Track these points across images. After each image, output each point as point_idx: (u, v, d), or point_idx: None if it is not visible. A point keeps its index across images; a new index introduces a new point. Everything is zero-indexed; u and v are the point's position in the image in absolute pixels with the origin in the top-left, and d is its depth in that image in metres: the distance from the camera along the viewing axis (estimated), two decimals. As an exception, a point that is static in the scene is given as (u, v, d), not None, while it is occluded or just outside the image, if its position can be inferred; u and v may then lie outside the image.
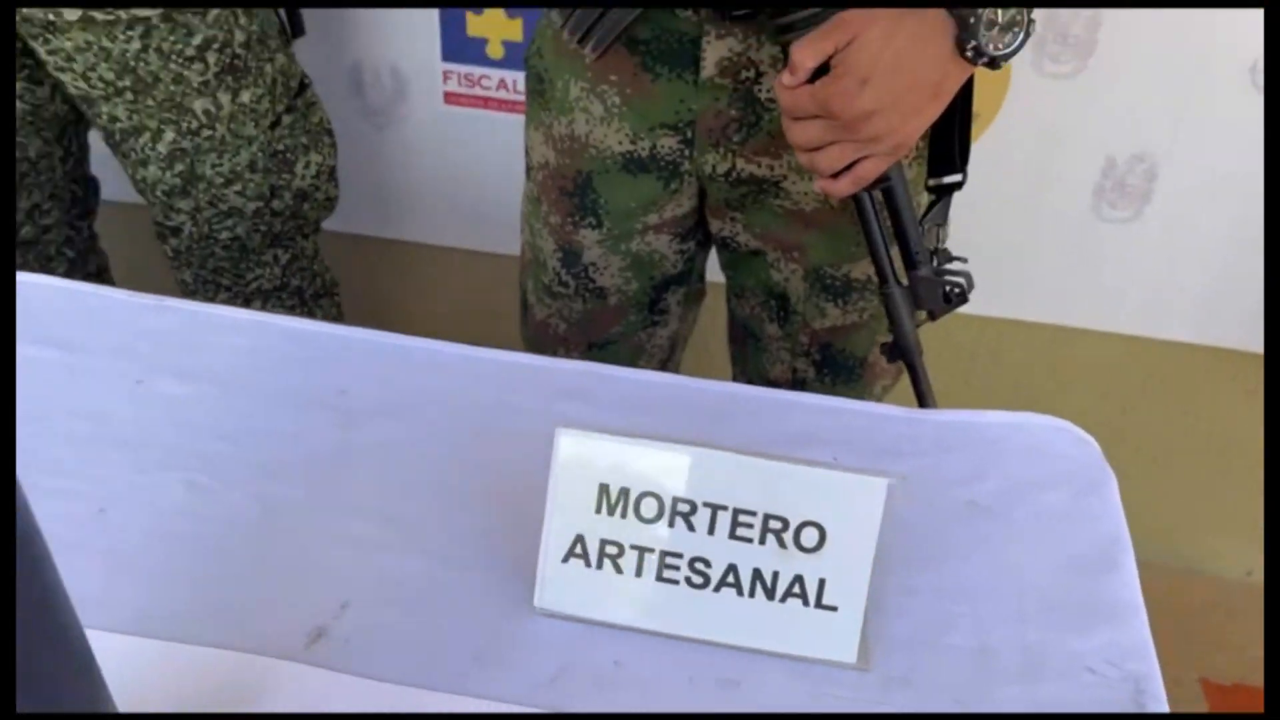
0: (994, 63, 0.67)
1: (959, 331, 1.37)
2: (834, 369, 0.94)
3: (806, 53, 0.68)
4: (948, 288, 0.77)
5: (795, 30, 0.69)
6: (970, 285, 0.78)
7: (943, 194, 0.80)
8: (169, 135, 0.98)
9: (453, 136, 1.30)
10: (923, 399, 0.80)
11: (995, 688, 0.50)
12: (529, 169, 0.94)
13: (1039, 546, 0.56)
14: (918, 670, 0.50)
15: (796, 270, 0.89)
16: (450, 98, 1.27)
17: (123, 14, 0.90)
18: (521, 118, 0.94)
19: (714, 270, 0.99)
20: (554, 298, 0.96)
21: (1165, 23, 1.18)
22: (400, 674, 0.48)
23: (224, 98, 0.98)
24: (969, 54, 0.66)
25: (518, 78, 1.24)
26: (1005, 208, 1.31)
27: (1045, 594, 0.54)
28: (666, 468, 0.49)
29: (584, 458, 0.49)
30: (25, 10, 0.90)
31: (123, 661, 0.43)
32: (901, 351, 0.80)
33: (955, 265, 0.79)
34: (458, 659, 0.49)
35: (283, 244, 1.09)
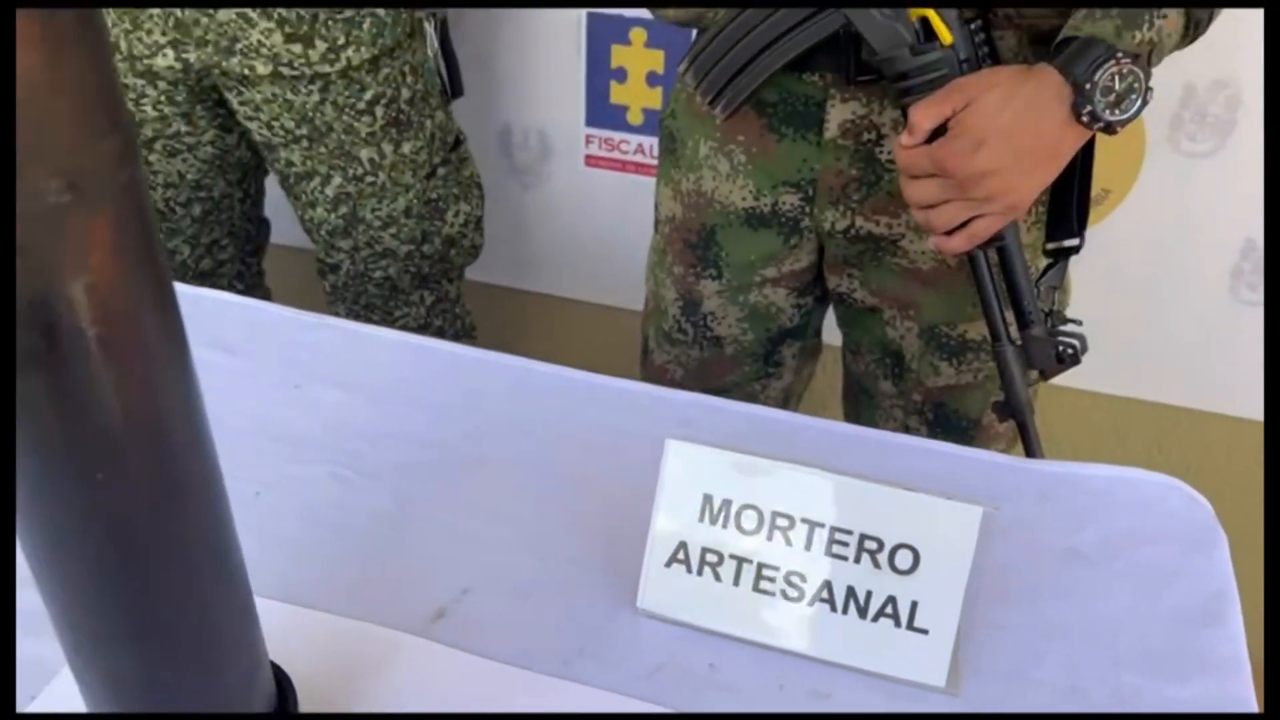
0: (1110, 128, 0.69)
1: (1086, 408, 1.35)
2: (946, 428, 0.95)
3: (925, 114, 0.71)
4: (1061, 348, 0.78)
5: (914, 94, 0.73)
6: (1084, 347, 0.79)
7: (1060, 258, 0.81)
8: (336, 180, 1.08)
9: (591, 197, 1.38)
10: (1032, 458, 0.80)
11: (1086, 725, 0.50)
12: (657, 222, 0.99)
13: (1139, 595, 0.57)
14: (1006, 701, 0.51)
15: (912, 328, 0.91)
16: (590, 160, 1.35)
17: (306, 70, 1.01)
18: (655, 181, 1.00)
19: (832, 333, 1.02)
20: (673, 344, 1.00)
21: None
22: (510, 656, 0.52)
23: (387, 148, 1.08)
24: (1085, 119, 0.68)
25: (654, 143, 1.31)
26: (1138, 285, 1.30)
27: (1142, 641, 0.54)
28: (768, 483, 0.52)
29: (691, 468, 0.53)
30: (224, 64, 1.02)
31: (267, 620, 0.48)
32: (1012, 410, 0.81)
33: (1070, 327, 0.80)
34: (563, 648, 0.52)
35: (429, 286, 1.18)
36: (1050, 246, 0.82)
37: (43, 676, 0.50)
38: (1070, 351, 0.78)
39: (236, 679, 0.40)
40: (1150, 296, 1.30)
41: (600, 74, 1.29)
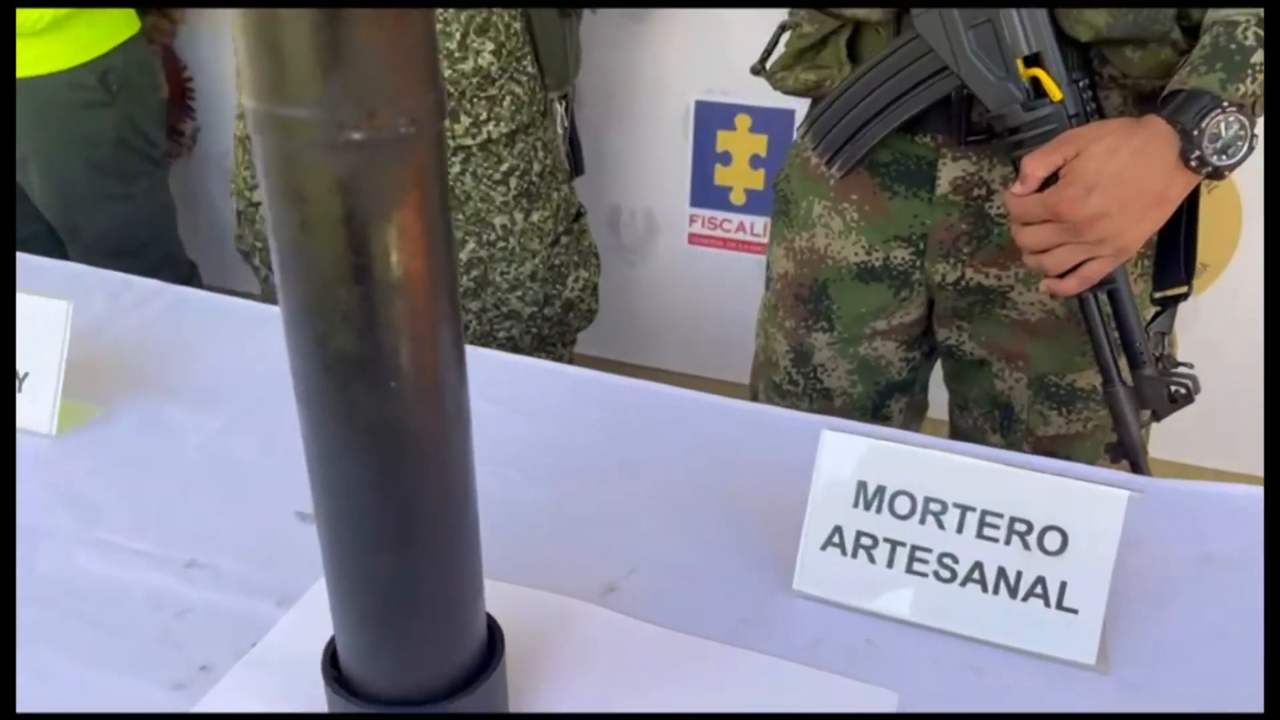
0: (1218, 172, 0.74)
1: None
2: (1056, 479, 0.97)
3: (1037, 164, 0.77)
4: (1173, 388, 0.81)
5: (1026, 146, 0.79)
6: (1197, 387, 0.82)
7: (1168, 305, 0.85)
8: (470, 245, 1.17)
9: (694, 273, 1.46)
10: (1150, 496, 0.82)
11: (1236, 708, 0.52)
12: (769, 280, 1.05)
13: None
14: (1155, 680, 0.53)
15: (1020, 379, 0.95)
16: (694, 238, 1.44)
17: (451, 142, 1.11)
18: (756, 257, 1.07)
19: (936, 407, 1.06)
20: (783, 396, 1.05)
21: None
22: (677, 626, 0.55)
23: (518, 216, 1.17)
24: (1193, 164, 0.73)
25: (755, 221, 1.39)
26: (1242, 360, 1.31)
27: (1285, 634, 0.56)
28: (920, 469, 0.56)
29: (845, 456, 0.57)
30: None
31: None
32: (1125, 450, 0.84)
33: (1181, 369, 0.83)
34: (725, 622, 0.56)
35: (546, 348, 1.25)
36: (1158, 295, 0.86)
37: (256, 631, 0.55)
38: (1183, 391, 0.81)
39: (472, 596, 0.44)
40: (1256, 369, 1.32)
41: (706, 157, 1.38)
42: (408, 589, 0.41)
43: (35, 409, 0.70)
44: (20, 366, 0.71)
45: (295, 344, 0.38)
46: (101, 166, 1.45)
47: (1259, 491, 0.67)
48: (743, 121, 1.35)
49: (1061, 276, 0.79)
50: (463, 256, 1.18)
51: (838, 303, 0.98)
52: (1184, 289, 0.85)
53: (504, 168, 1.16)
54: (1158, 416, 0.83)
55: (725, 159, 1.37)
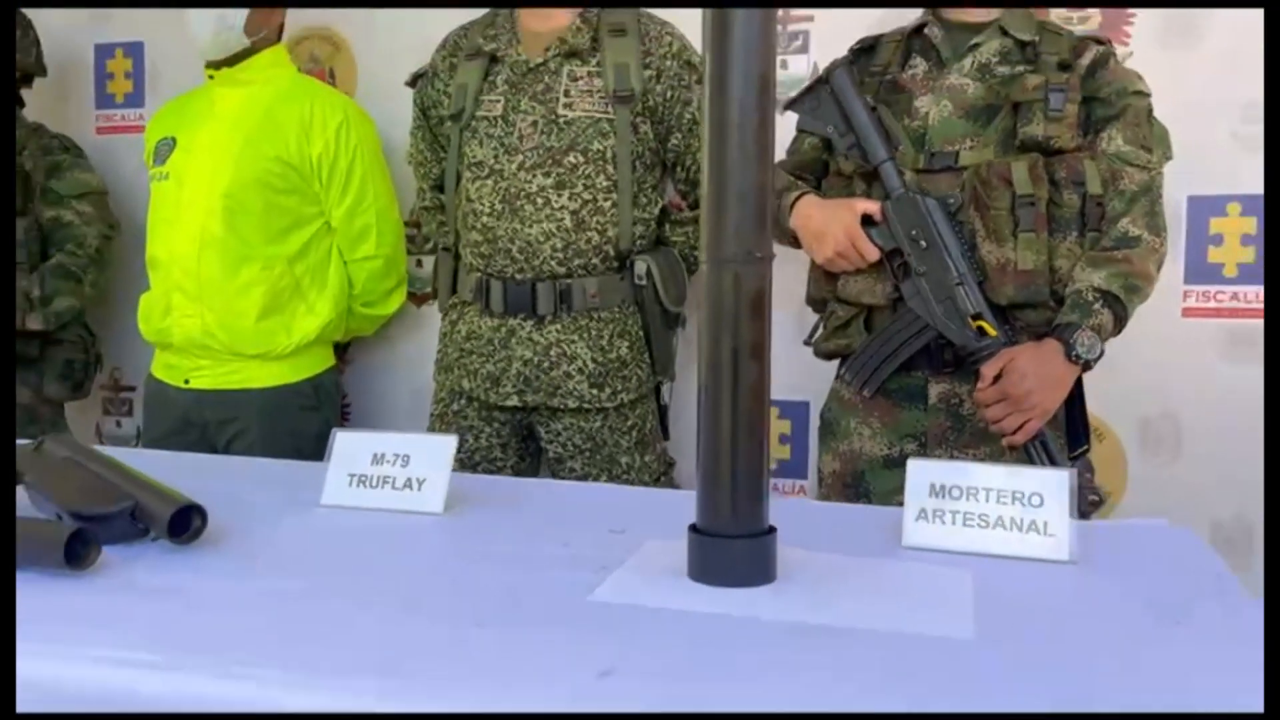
0: (1088, 365, 1.33)
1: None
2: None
3: (990, 368, 1.35)
4: (1090, 498, 1.33)
5: (980, 360, 1.37)
6: (1103, 499, 1.33)
7: (1079, 458, 1.39)
8: (603, 478, 1.67)
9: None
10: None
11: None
12: (820, 480, 1.57)
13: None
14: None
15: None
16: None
17: (597, 405, 1.66)
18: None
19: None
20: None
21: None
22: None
23: (636, 457, 1.69)
24: (1073, 359, 1.32)
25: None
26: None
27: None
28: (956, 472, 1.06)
29: (918, 473, 1.07)
30: (530, 399, 1.67)
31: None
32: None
33: (1095, 488, 1.35)
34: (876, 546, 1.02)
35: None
36: (1073, 454, 1.40)
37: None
38: (1095, 499, 1.33)
39: (766, 476, 0.92)
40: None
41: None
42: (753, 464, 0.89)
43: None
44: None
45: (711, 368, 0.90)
46: (304, 454, 1.94)
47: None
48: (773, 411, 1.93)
49: (1014, 435, 1.34)
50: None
51: (872, 485, 1.50)
52: (1085, 447, 1.40)
53: (628, 424, 1.70)
54: (1083, 515, 1.33)
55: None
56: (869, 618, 0.83)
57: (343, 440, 1.21)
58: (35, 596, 0.86)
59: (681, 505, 0.98)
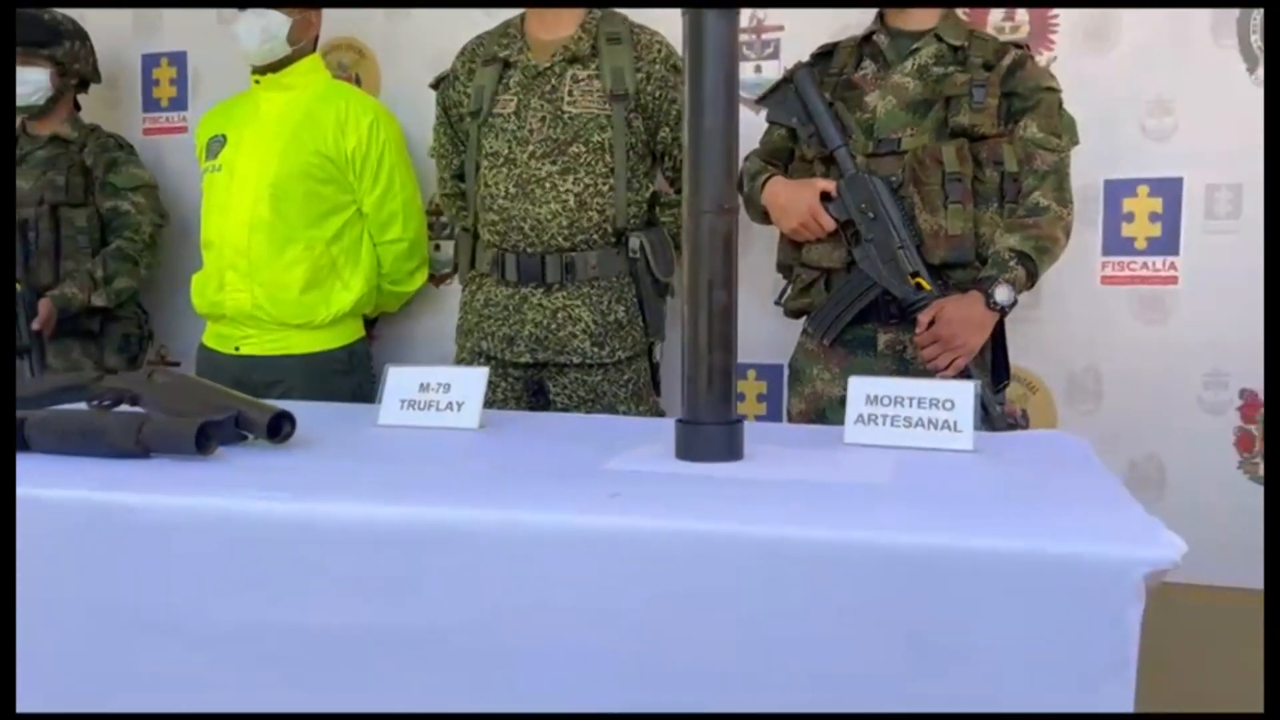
0: (1004, 311, 1.61)
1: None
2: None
3: (925, 314, 1.63)
4: (1009, 420, 1.60)
5: (917, 308, 1.65)
6: (1020, 425, 1.61)
7: (1000, 391, 1.67)
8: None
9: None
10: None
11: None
12: (788, 416, 1.84)
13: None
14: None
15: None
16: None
17: (597, 361, 1.93)
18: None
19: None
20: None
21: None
22: (799, 451, 1.29)
23: (632, 406, 1.96)
24: (991, 306, 1.60)
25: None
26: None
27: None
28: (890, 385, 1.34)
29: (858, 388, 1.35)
30: (540, 356, 1.94)
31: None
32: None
33: (1014, 416, 1.63)
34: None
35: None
36: (996, 388, 1.68)
37: (619, 457, 1.27)
38: (1013, 423, 1.60)
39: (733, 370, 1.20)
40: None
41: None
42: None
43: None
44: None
45: (691, 295, 1.17)
46: (339, 410, 2.21)
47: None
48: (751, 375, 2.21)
49: (946, 369, 1.62)
50: (606, 423, 1.94)
51: (832, 421, 1.77)
52: (1006, 382, 1.68)
53: (624, 378, 1.97)
54: (994, 427, 1.59)
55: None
56: (809, 476, 1.10)
57: (395, 373, 1.49)
58: (178, 469, 1.13)
59: (662, 428, 1.26)
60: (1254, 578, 1.96)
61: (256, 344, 2.19)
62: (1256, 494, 2.04)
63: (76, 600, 1.04)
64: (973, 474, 1.16)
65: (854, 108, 1.77)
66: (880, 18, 1.83)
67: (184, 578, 1.01)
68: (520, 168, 1.93)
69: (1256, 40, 2.01)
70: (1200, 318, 2.06)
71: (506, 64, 1.98)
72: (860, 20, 2.06)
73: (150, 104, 2.71)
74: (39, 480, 1.08)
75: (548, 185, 1.92)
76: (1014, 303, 1.63)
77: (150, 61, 2.71)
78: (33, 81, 2.41)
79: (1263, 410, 2.04)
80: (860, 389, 1.32)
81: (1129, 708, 0.83)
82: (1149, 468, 2.05)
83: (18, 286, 2.27)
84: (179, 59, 2.69)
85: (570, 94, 1.93)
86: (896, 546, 0.89)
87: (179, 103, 2.69)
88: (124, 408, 1.39)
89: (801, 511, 0.97)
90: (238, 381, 2.19)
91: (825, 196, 1.72)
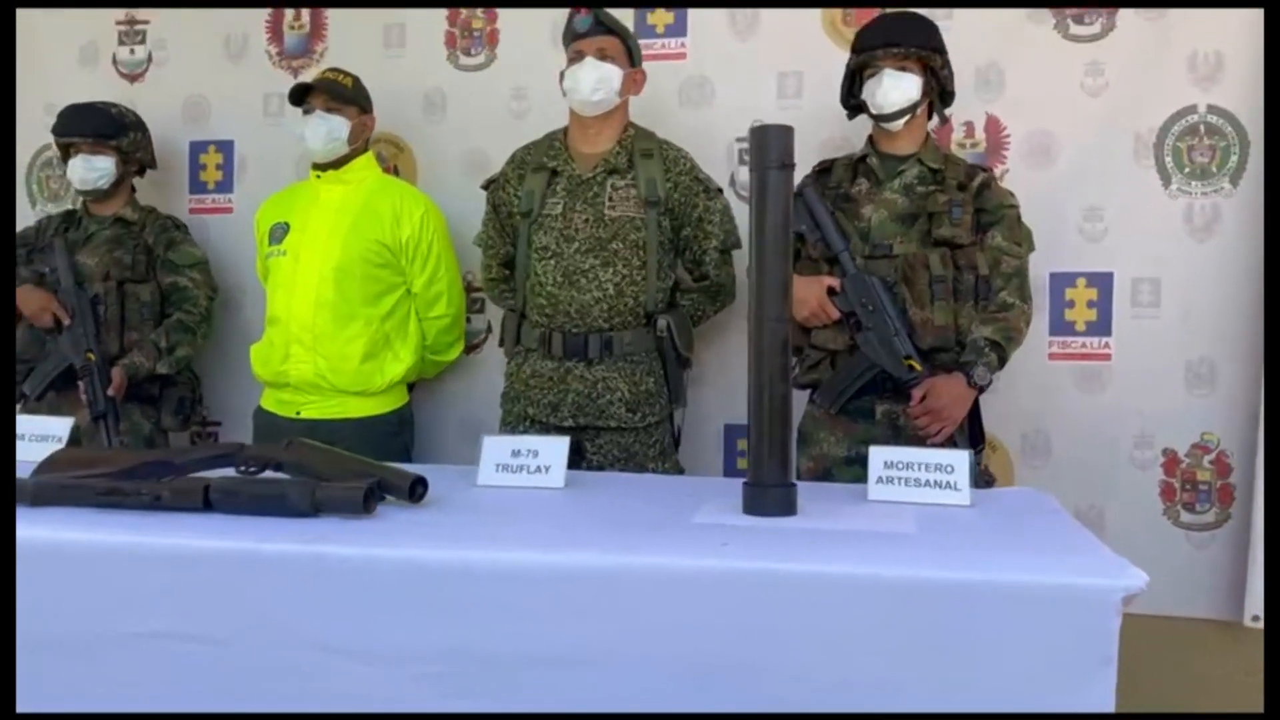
0: (981, 389, 1.97)
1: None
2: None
3: (918, 392, 1.99)
4: (986, 478, 1.96)
5: (911, 386, 2.01)
6: (993, 482, 1.97)
7: (977, 453, 2.03)
8: (643, 474, 2.25)
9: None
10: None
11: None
12: (799, 476, 2.18)
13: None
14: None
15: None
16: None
17: (630, 425, 2.24)
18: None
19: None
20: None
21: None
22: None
23: (660, 466, 2.28)
24: (973, 385, 1.97)
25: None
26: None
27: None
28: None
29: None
30: (581, 420, 2.25)
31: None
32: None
33: (990, 475, 1.99)
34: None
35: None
36: (974, 451, 2.04)
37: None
38: (989, 480, 1.96)
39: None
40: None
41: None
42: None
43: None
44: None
45: (755, 384, 1.50)
46: (390, 468, 2.48)
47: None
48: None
49: (935, 438, 1.97)
50: (640, 480, 2.26)
51: (836, 477, 2.11)
52: (981, 446, 2.04)
53: (653, 439, 2.29)
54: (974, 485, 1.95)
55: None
56: (853, 527, 1.43)
57: (489, 442, 1.79)
58: (353, 526, 1.42)
59: (712, 486, 1.58)
60: (1179, 607, 2.36)
61: (317, 409, 2.45)
62: (1178, 535, 2.44)
63: (298, 638, 1.31)
64: (975, 524, 1.51)
65: (852, 217, 2.13)
66: (870, 141, 2.21)
67: (386, 613, 1.29)
68: (567, 260, 2.25)
69: (1169, 160, 2.45)
70: (1129, 389, 2.47)
71: (554, 172, 2.31)
72: (835, 133, 2.45)
73: (197, 186, 2.97)
74: (254, 536, 1.36)
75: (590, 276, 2.24)
76: (990, 382, 1.99)
77: (198, 147, 2.97)
78: (100, 168, 2.65)
79: (1181, 465, 2.44)
80: (879, 456, 1.66)
81: (1111, 697, 1.17)
82: (1091, 515, 2.43)
83: (90, 356, 2.50)
84: (226, 146, 2.95)
85: (610, 200, 2.26)
86: (933, 579, 1.22)
87: (225, 185, 2.95)
88: (267, 473, 1.66)
89: (859, 554, 1.30)
90: (299, 443, 2.46)
91: (831, 291, 2.08)
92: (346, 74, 2.52)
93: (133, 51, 3.01)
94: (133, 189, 2.78)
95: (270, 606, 1.34)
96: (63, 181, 3.02)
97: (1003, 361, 2.03)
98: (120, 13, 3.01)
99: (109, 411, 2.44)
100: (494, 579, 1.28)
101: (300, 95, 2.48)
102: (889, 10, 2.29)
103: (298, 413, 2.47)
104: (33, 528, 1.43)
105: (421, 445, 2.69)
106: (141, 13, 2.99)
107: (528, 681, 1.27)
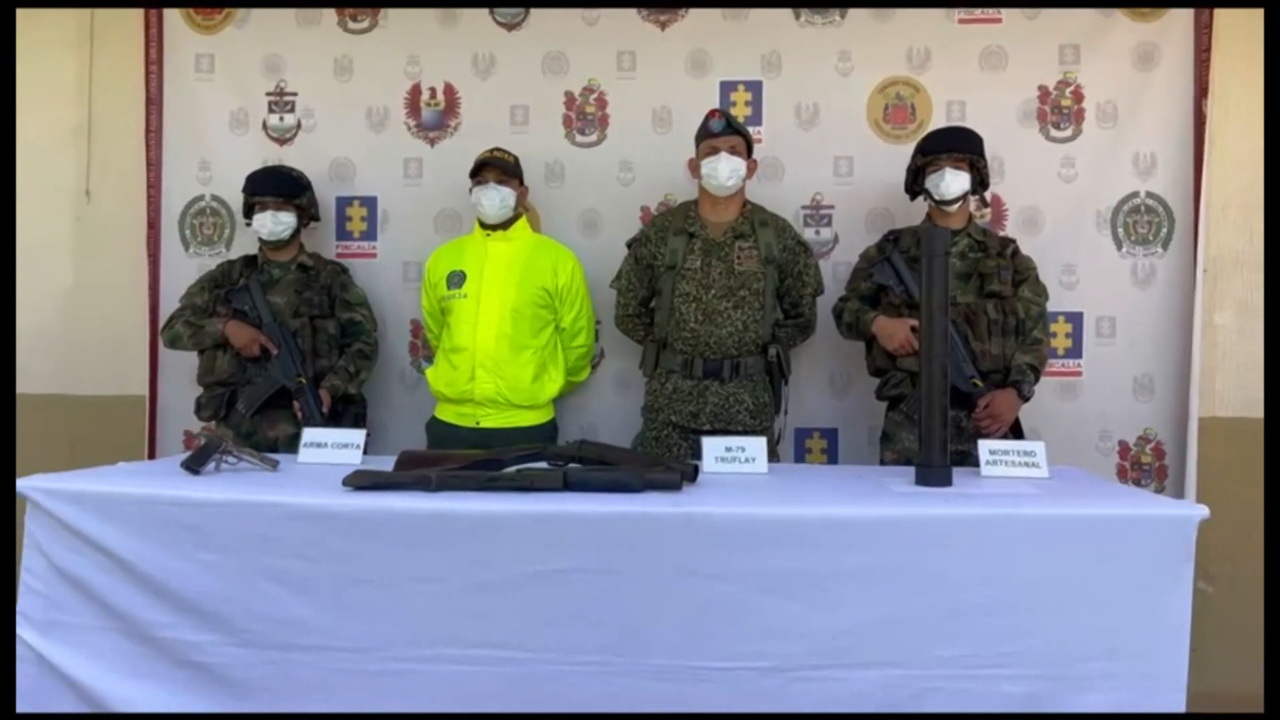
0: (1027, 399, 2.80)
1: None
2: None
3: (982, 402, 2.81)
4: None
5: (977, 397, 2.81)
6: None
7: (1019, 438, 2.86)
8: (769, 466, 2.97)
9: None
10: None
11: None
12: (882, 463, 2.95)
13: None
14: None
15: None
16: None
17: (751, 429, 2.97)
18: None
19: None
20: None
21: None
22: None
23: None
24: (1022, 397, 2.80)
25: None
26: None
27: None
28: (1000, 444, 2.48)
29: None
30: (718, 425, 2.96)
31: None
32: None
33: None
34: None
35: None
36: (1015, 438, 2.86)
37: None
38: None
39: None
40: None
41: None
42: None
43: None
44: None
45: (927, 398, 2.26)
46: (551, 467, 3.11)
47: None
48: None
49: (994, 434, 2.79)
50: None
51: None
52: (1022, 438, 2.87)
53: (763, 439, 3.01)
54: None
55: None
56: (992, 490, 2.22)
57: (708, 442, 2.48)
58: (679, 498, 2.11)
59: (873, 472, 2.34)
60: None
61: (495, 419, 3.06)
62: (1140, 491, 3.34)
63: (671, 566, 1.98)
64: (1066, 486, 2.31)
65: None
66: (929, 217, 3.01)
67: (733, 546, 1.97)
68: (705, 304, 2.96)
69: (1120, 231, 3.36)
70: (1094, 397, 3.36)
71: (691, 235, 3.01)
72: (877, 205, 3.26)
73: (343, 234, 3.50)
74: (618, 503, 2.01)
75: (724, 316, 2.95)
76: (1032, 394, 2.82)
77: (344, 201, 3.51)
78: (285, 222, 3.18)
79: (1131, 452, 3.35)
80: (985, 446, 2.46)
81: (1188, 609, 1.97)
82: (1071, 490, 3.30)
83: (302, 380, 3.03)
84: (369, 202, 3.50)
85: (739, 258, 2.98)
86: (1068, 516, 2.02)
87: (369, 235, 3.50)
88: (573, 465, 2.30)
89: (1015, 500, 2.08)
90: (477, 447, 3.07)
91: (913, 329, 2.86)
92: (509, 153, 3.15)
93: (282, 119, 3.52)
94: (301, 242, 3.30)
95: (640, 548, 1.99)
96: (216, 228, 3.52)
97: (1038, 379, 2.87)
98: (270, 84, 3.51)
99: (323, 425, 2.97)
100: (815, 525, 1.99)
101: (477, 169, 3.09)
102: (948, 126, 3.11)
103: (477, 422, 3.07)
104: (451, 503, 2.04)
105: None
106: (290, 84, 3.51)
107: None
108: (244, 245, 3.44)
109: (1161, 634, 1.96)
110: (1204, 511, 1.97)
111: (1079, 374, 3.37)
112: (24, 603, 2.12)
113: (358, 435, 2.57)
